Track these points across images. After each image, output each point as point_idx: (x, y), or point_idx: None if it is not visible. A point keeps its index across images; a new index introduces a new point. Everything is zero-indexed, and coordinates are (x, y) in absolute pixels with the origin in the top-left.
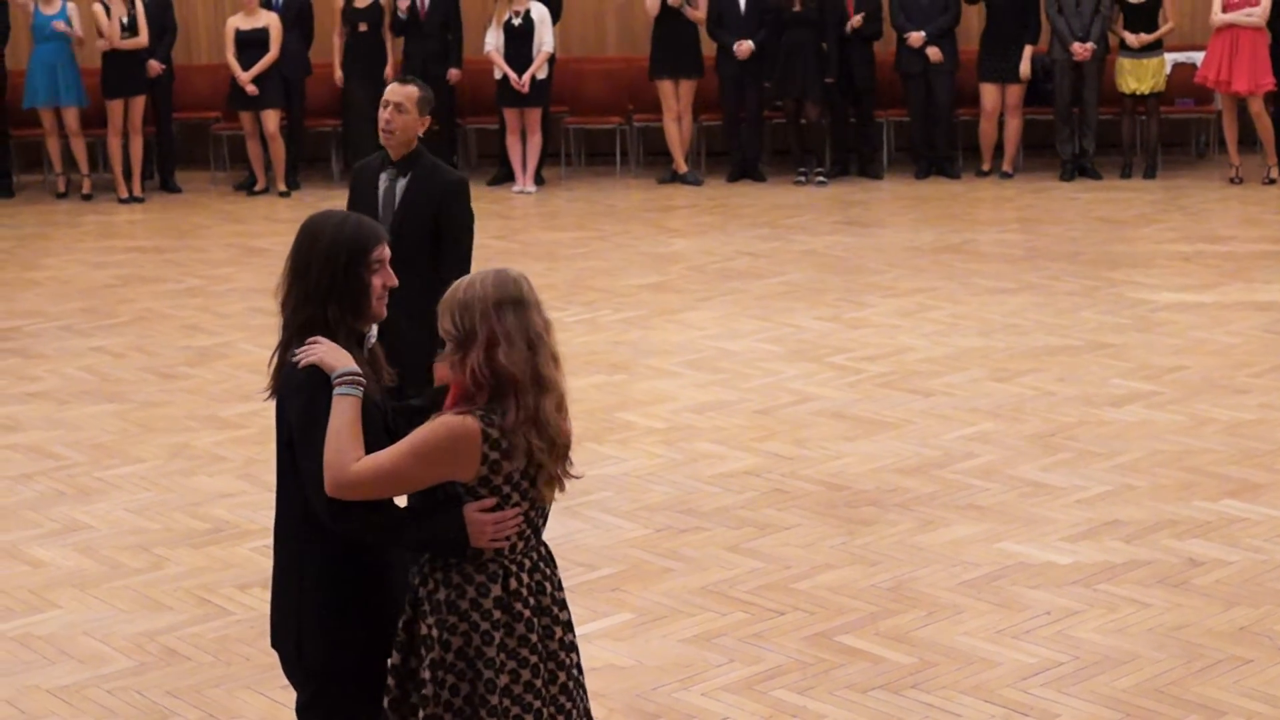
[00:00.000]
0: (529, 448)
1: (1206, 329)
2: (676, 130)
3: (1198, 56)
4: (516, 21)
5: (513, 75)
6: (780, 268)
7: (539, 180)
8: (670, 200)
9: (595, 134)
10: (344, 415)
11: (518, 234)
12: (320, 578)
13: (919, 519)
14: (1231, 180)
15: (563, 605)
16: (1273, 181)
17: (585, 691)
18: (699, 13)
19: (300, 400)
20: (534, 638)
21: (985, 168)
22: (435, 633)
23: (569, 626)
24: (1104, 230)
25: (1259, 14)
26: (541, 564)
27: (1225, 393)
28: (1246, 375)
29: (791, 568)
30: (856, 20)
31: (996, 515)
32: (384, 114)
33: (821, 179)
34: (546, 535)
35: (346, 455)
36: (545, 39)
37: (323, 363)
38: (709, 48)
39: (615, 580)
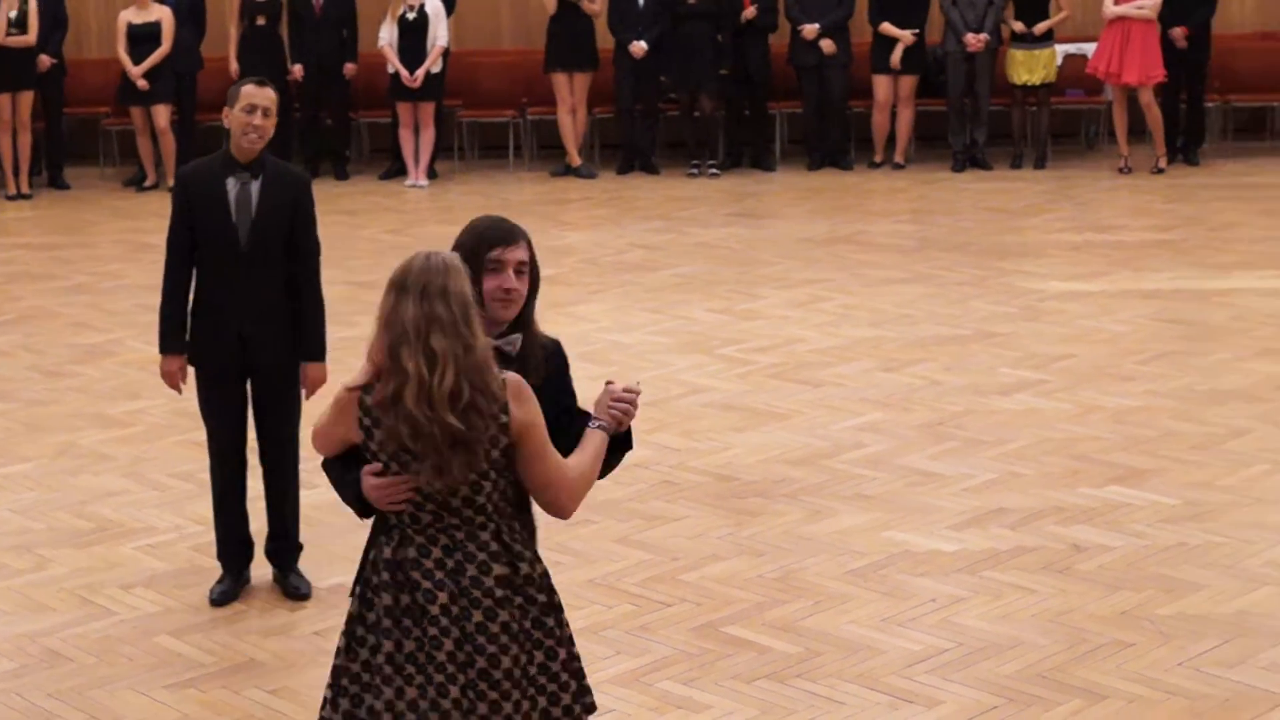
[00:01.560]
0: (394, 428)
1: (1094, 318)
2: (570, 123)
3: (1088, 48)
4: (411, 16)
5: (404, 72)
6: (673, 260)
7: (432, 174)
8: (564, 193)
9: (489, 127)
10: None
11: (411, 228)
12: None
13: (807, 509)
14: (1121, 170)
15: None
16: (1161, 171)
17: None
18: (595, 6)
19: None
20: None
21: (878, 159)
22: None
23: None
24: (995, 220)
25: (1150, 6)
26: (455, 552)
27: (1112, 380)
28: (1133, 363)
29: (679, 559)
30: (751, 12)
31: (884, 504)
32: (253, 119)
33: (715, 171)
34: None
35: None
36: (439, 33)
37: None
38: (604, 40)
39: None
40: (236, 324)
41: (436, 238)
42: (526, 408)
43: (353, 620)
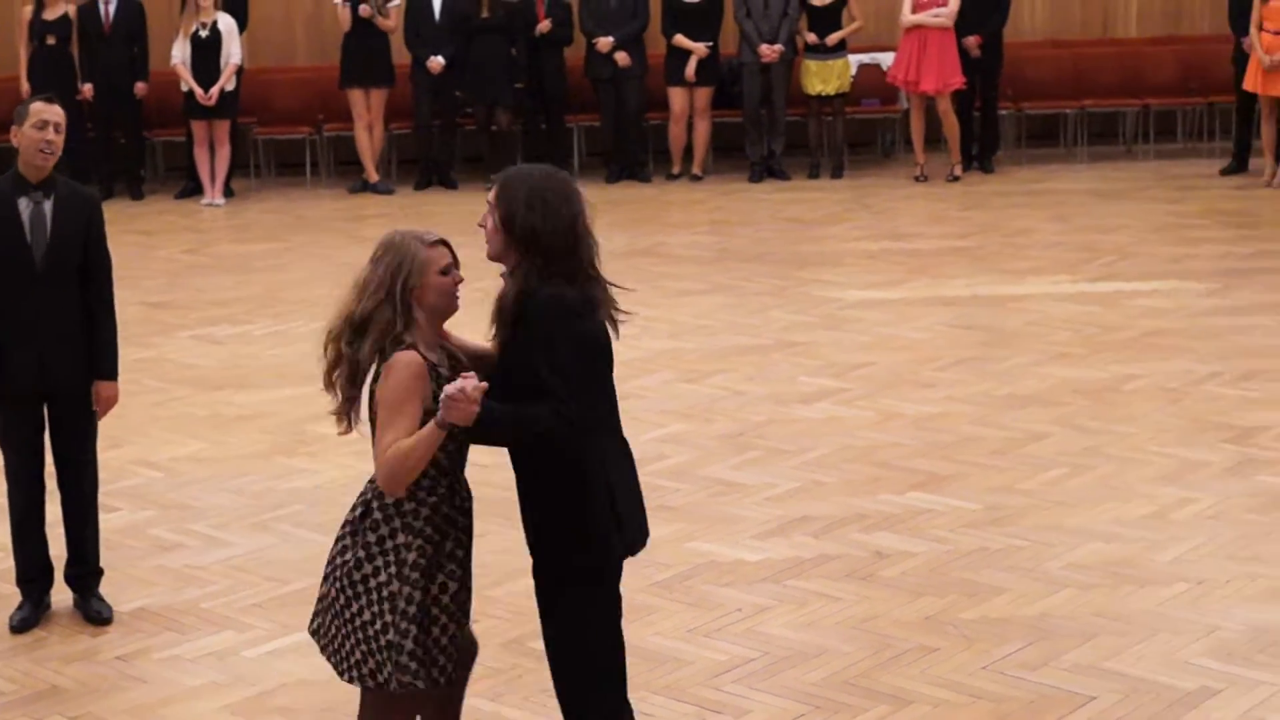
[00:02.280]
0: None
1: (893, 325)
2: (367, 139)
3: (882, 57)
4: (204, 33)
5: (198, 90)
6: (472, 275)
7: (228, 192)
8: (362, 210)
9: (285, 144)
10: None
11: (208, 247)
12: None
13: None
14: (917, 178)
15: None
16: (957, 179)
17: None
18: (389, 22)
19: None
20: None
21: (675, 171)
22: None
23: None
24: (793, 230)
25: (946, 15)
26: None
27: (911, 387)
28: (932, 370)
29: (486, 575)
30: (545, 26)
31: (687, 515)
32: (46, 134)
33: None
34: (236, 549)
35: None
36: (233, 50)
37: None
38: (399, 56)
39: (307, 594)
40: (36, 347)
41: (233, 256)
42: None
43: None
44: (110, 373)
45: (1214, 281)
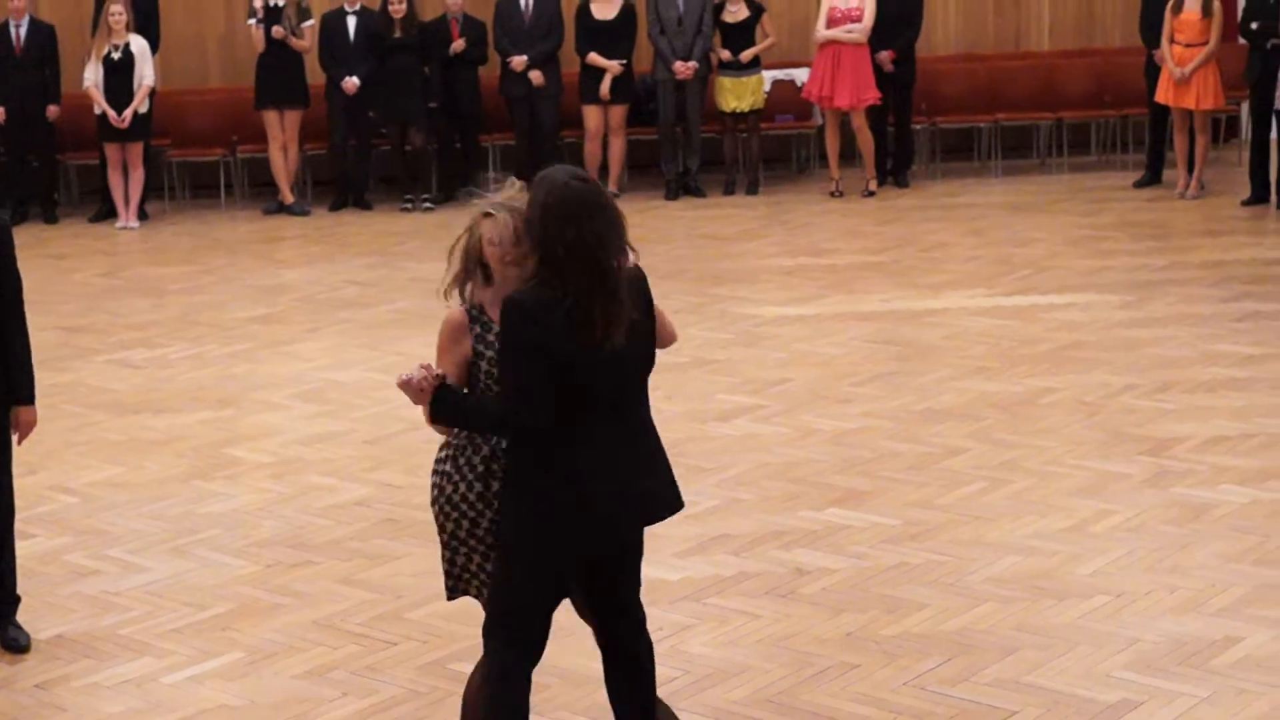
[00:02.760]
0: None
1: (810, 341)
2: (282, 160)
3: (796, 73)
4: (116, 55)
5: (111, 113)
6: (389, 296)
7: (143, 215)
8: (278, 231)
9: (199, 166)
10: None
11: (122, 270)
12: None
13: None
14: (832, 194)
15: None
16: (872, 194)
17: None
18: (304, 42)
19: None
20: None
21: None
22: None
23: None
24: (709, 247)
25: (860, 30)
26: None
27: (829, 403)
28: (849, 385)
29: (404, 597)
30: (459, 45)
31: None
32: None
33: (429, 205)
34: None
35: None
36: (145, 72)
37: None
38: (314, 76)
39: (226, 619)
40: None
41: (149, 279)
42: None
43: None
44: (28, 397)
45: (1129, 294)
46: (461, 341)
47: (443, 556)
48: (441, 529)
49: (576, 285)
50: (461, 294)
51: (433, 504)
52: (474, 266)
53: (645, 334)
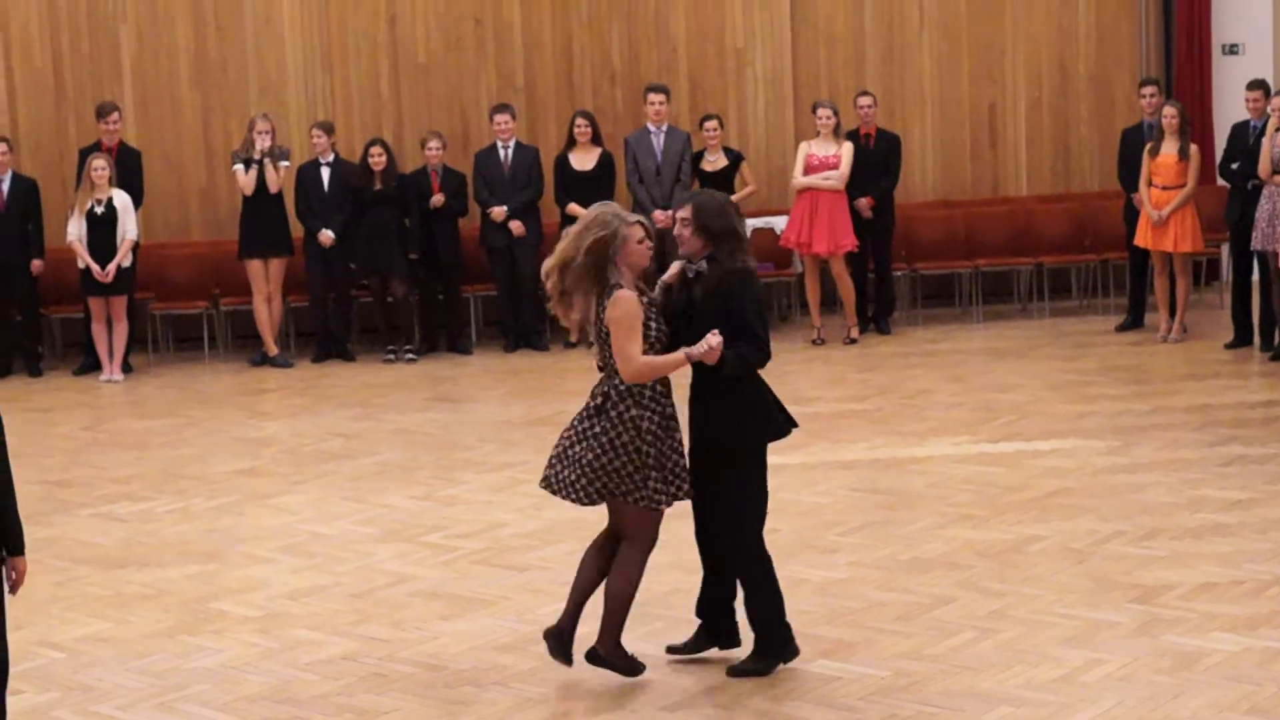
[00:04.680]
0: None
1: (794, 490)
2: (266, 311)
3: (775, 221)
4: (99, 210)
5: (95, 267)
6: (372, 447)
7: (127, 368)
8: (261, 383)
9: (182, 319)
10: None
11: (106, 423)
12: None
13: (518, 696)
14: (814, 342)
15: None
16: (854, 341)
17: None
18: (277, 176)
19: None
20: None
21: (574, 339)
22: None
23: None
24: None
25: (837, 177)
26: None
27: (815, 553)
28: (835, 534)
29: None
30: (438, 200)
31: (596, 680)
32: None
33: (411, 356)
34: None
35: None
36: (129, 226)
37: None
38: (296, 227)
39: None
40: None
41: (133, 433)
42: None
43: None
44: (18, 548)
45: (1113, 439)
46: (642, 314)
47: (634, 485)
48: (626, 462)
49: (745, 250)
50: (617, 287)
51: (622, 448)
52: (605, 264)
53: None
